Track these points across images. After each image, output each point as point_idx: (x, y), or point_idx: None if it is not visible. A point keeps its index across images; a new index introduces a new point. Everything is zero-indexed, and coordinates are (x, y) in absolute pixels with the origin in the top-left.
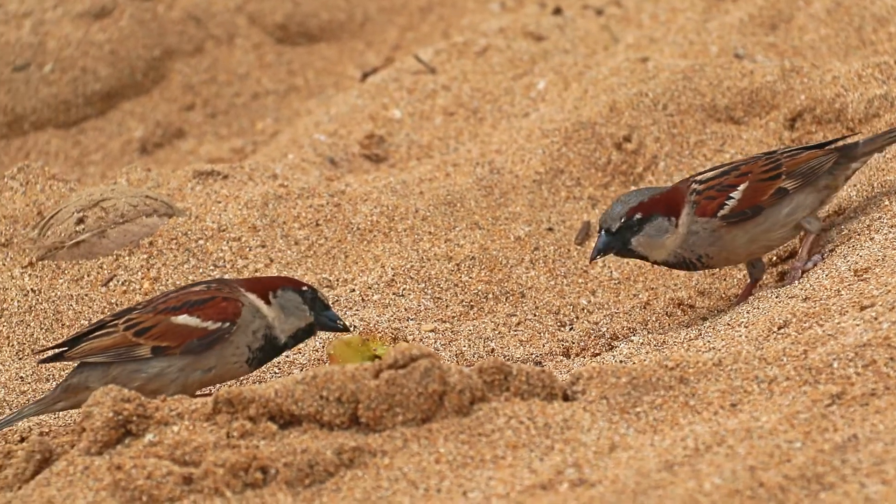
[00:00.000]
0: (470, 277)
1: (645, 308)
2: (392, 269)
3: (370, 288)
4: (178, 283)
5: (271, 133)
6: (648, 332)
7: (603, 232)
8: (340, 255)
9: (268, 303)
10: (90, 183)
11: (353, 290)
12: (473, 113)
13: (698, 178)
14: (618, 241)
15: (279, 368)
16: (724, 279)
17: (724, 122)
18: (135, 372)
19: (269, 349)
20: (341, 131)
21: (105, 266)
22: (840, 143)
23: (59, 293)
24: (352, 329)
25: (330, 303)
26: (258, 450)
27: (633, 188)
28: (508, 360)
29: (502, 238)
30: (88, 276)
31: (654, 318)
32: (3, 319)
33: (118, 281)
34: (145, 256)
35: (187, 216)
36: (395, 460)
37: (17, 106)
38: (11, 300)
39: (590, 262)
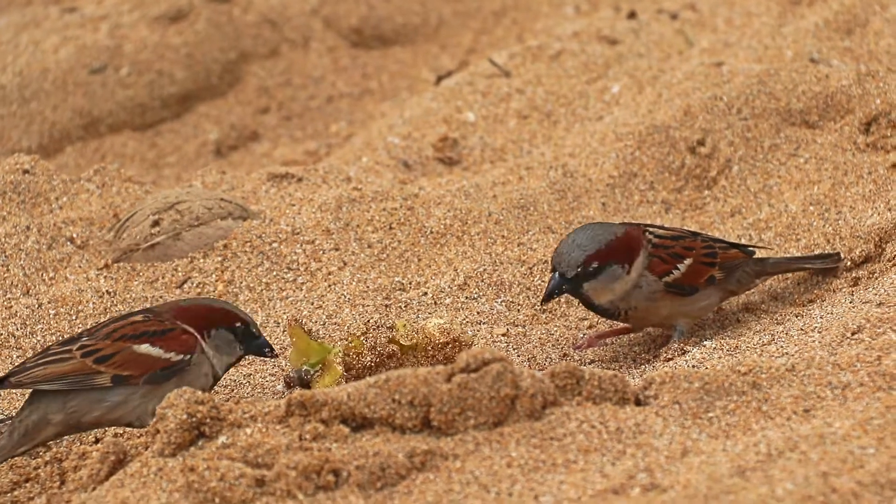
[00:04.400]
0: (543, 281)
1: (717, 312)
2: (464, 272)
3: (442, 291)
4: (251, 285)
5: (345, 136)
6: (721, 337)
7: (557, 275)
8: (413, 258)
9: (204, 340)
10: (165, 185)
11: (426, 294)
12: (547, 116)
13: (650, 229)
14: (571, 286)
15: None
16: (799, 284)
17: (798, 127)
18: (96, 402)
19: (214, 381)
20: (415, 134)
21: (180, 268)
22: (753, 250)
23: (134, 295)
24: (278, 354)
25: (259, 329)
26: (330, 452)
27: (594, 222)
28: (580, 364)
29: None
30: (163, 278)
31: (726, 323)
32: (78, 321)
33: (192, 283)
34: (219, 259)
35: (261, 219)
36: (467, 464)
37: (93, 108)
38: (87, 302)
39: (541, 305)
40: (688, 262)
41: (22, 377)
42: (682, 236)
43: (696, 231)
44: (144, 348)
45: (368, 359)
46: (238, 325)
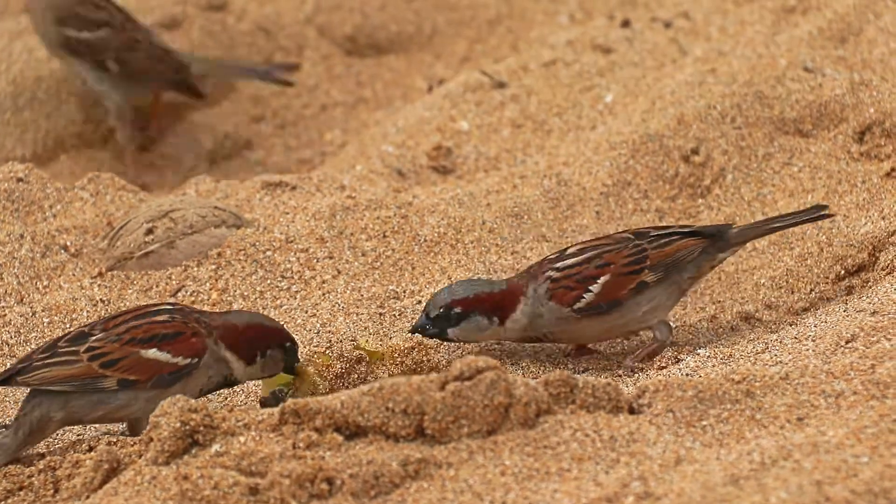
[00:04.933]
0: None
1: (711, 321)
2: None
3: None
4: (245, 294)
5: (339, 144)
6: (715, 346)
7: (424, 313)
8: (407, 266)
9: (250, 363)
10: (159, 194)
11: (419, 302)
12: (541, 125)
13: (557, 264)
14: (435, 326)
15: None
16: (793, 293)
17: (792, 135)
18: (99, 403)
19: (223, 386)
20: (409, 143)
21: (174, 277)
22: (711, 227)
23: (127, 303)
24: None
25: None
26: (324, 461)
27: (475, 279)
28: (574, 372)
29: None
30: (157, 286)
31: (720, 332)
32: (72, 329)
33: (186, 291)
34: (213, 267)
35: (255, 227)
36: (461, 472)
37: (87, 116)
38: (81, 310)
39: (411, 334)
40: (603, 279)
41: (28, 377)
42: (597, 254)
43: (640, 232)
44: (152, 353)
45: (338, 366)
46: (288, 344)
